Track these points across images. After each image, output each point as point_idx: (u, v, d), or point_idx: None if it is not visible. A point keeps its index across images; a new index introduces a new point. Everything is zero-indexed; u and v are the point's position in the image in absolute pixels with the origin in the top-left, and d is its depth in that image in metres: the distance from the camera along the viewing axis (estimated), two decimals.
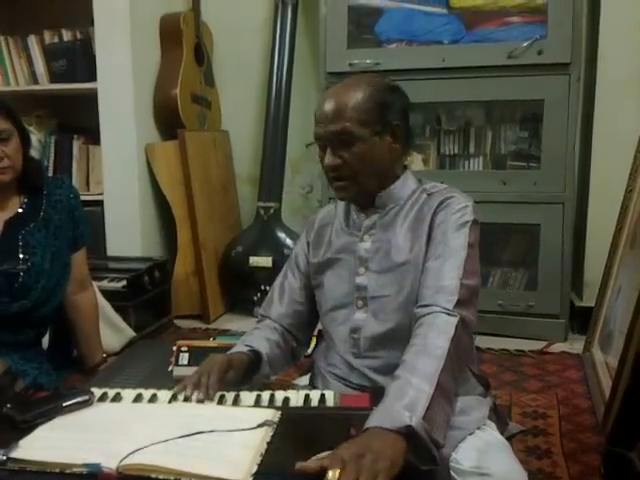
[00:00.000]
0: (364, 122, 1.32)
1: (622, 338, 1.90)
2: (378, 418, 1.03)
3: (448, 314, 1.20)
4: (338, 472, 0.89)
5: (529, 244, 3.07)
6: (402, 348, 1.20)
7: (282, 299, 1.52)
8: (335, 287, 1.43)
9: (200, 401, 1.20)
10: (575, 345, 2.88)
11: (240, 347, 1.41)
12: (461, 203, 1.34)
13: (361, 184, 1.36)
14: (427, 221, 1.34)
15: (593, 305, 2.72)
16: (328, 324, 1.45)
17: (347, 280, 1.40)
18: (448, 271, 1.26)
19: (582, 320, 2.93)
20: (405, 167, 1.44)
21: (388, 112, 1.35)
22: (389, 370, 1.19)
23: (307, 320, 1.53)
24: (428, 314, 1.22)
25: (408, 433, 1.00)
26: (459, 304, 1.22)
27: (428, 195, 1.39)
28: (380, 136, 1.34)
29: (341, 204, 1.50)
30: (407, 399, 1.05)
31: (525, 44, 2.79)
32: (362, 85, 1.35)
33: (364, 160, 1.33)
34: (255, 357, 1.39)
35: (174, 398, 1.22)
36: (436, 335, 1.17)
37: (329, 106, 1.33)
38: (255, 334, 1.48)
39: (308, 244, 1.52)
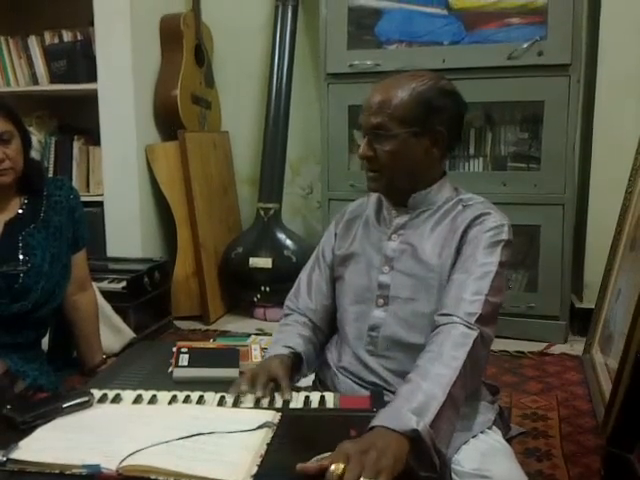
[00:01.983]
0: (403, 121, 1.29)
1: (622, 340, 1.90)
2: (385, 418, 1.02)
3: (468, 327, 1.19)
4: (342, 467, 0.89)
5: (529, 245, 3.06)
6: None
7: (310, 293, 1.50)
8: (356, 282, 1.41)
9: (287, 401, 1.21)
10: (575, 347, 2.88)
11: (278, 348, 1.38)
12: (497, 221, 1.31)
13: (390, 179, 1.34)
14: (459, 233, 1.32)
15: (593, 307, 2.72)
16: (343, 318, 1.44)
17: (369, 276, 1.39)
18: (474, 286, 1.24)
19: (582, 322, 2.94)
20: (444, 173, 1.41)
21: (433, 116, 1.31)
22: (404, 373, 1.18)
23: (334, 315, 1.50)
24: (447, 324, 1.21)
25: (413, 437, 1.00)
26: (480, 319, 1.20)
27: (464, 207, 1.36)
28: (417, 138, 1.31)
29: (373, 198, 1.48)
30: (416, 403, 1.05)
31: (525, 45, 2.80)
32: (413, 83, 1.31)
33: (394, 158, 1.31)
34: (295, 358, 1.38)
35: (174, 399, 1.22)
36: (453, 346, 1.16)
37: (375, 97, 1.32)
38: (288, 331, 1.45)
39: (336, 235, 1.50)
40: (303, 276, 1.54)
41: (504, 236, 1.30)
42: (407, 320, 1.34)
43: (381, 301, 1.37)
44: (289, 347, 1.38)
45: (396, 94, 1.30)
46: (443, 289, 1.29)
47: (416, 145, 1.32)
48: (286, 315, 1.52)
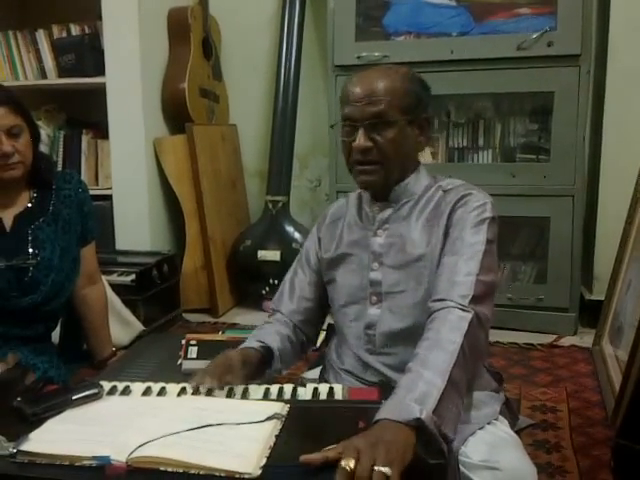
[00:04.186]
0: (402, 108, 1.31)
1: (632, 331, 1.89)
2: (388, 410, 1.02)
3: (462, 309, 1.19)
4: (352, 462, 0.89)
5: (538, 237, 3.05)
6: None
7: (292, 296, 1.52)
8: (348, 282, 1.41)
9: (210, 391, 1.20)
10: (585, 339, 2.87)
11: (252, 342, 1.40)
12: (479, 200, 1.32)
13: (387, 170, 1.34)
14: (444, 217, 1.32)
15: (603, 298, 2.71)
16: (341, 320, 1.44)
17: (360, 275, 1.39)
18: (464, 267, 1.24)
19: (592, 313, 2.92)
20: (419, 162, 1.42)
21: (420, 105, 1.34)
22: (404, 366, 1.17)
23: (316, 317, 1.54)
24: (442, 309, 1.20)
25: (417, 426, 1.00)
26: (474, 300, 1.20)
27: (444, 192, 1.36)
28: (411, 126, 1.33)
29: (352, 198, 1.48)
30: (418, 392, 1.05)
31: (535, 36, 2.77)
32: (400, 72, 1.34)
33: (395, 146, 1.32)
34: (266, 352, 1.39)
35: (183, 391, 1.22)
36: (449, 330, 1.16)
37: (366, 87, 1.31)
38: (267, 328, 1.47)
39: (319, 240, 1.51)
40: (286, 279, 1.56)
41: (488, 214, 1.31)
42: (402, 313, 1.34)
43: (374, 298, 1.37)
44: (261, 342, 1.40)
45: (391, 82, 1.31)
46: (434, 276, 1.29)
47: (410, 134, 1.34)
48: (269, 316, 1.54)
